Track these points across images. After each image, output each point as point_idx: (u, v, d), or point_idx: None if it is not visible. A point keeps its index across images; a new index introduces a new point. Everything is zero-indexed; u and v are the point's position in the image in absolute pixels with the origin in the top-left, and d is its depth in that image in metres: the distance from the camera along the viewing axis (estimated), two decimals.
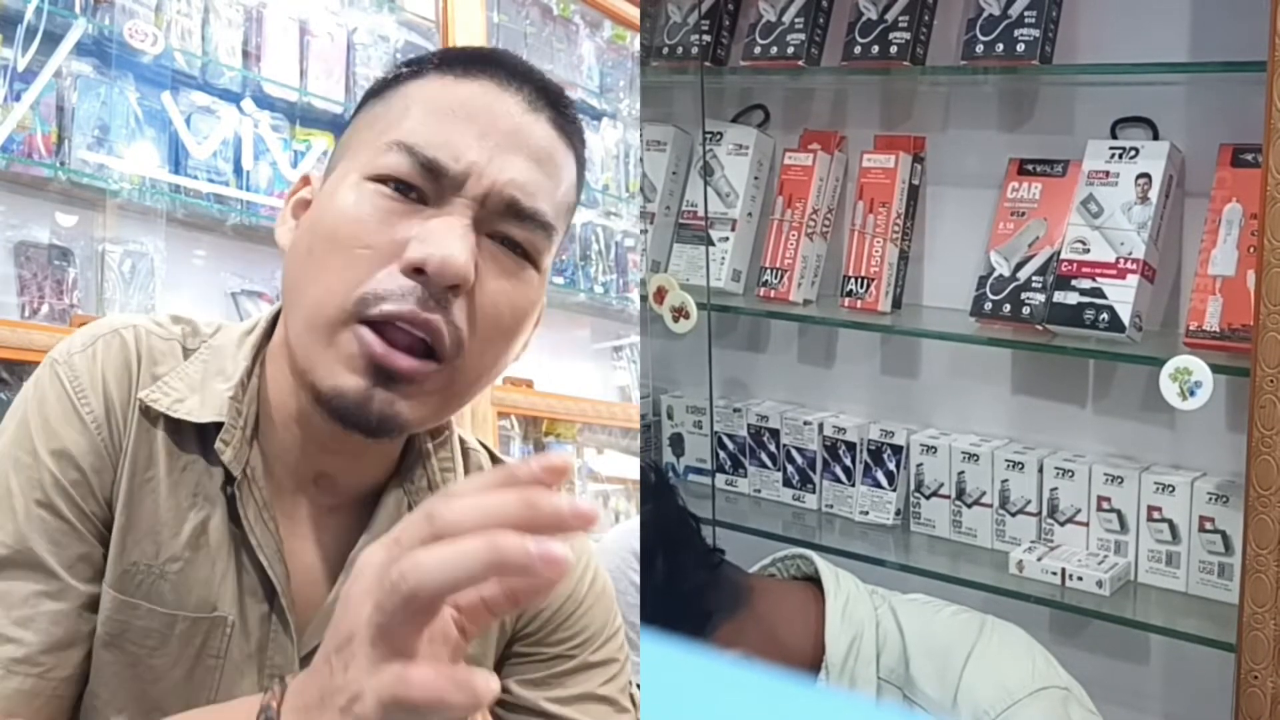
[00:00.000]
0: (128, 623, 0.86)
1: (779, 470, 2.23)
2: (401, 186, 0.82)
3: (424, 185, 0.82)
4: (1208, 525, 1.77)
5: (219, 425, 0.87)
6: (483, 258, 0.83)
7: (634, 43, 2.65)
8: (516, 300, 0.85)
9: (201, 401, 0.88)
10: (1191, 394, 1.63)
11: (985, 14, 1.88)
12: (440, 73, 0.87)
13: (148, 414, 0.88)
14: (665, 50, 2.24)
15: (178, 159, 1.85)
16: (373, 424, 0.81)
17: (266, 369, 0.90)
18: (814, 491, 2.19)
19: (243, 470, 0.87)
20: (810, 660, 1.22)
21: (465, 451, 0.99)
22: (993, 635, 1.25)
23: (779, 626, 1.25)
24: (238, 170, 1.93)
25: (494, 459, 1.01)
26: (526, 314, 0.87)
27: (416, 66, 0.89)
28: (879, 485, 2.11)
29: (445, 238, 0.80)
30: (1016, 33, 1.85)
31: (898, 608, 1.26)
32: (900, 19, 1.97)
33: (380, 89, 0.90)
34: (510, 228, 0.84)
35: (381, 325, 0.80)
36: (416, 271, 0.80)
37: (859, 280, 2.05)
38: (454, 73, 0.86)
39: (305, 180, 0.91)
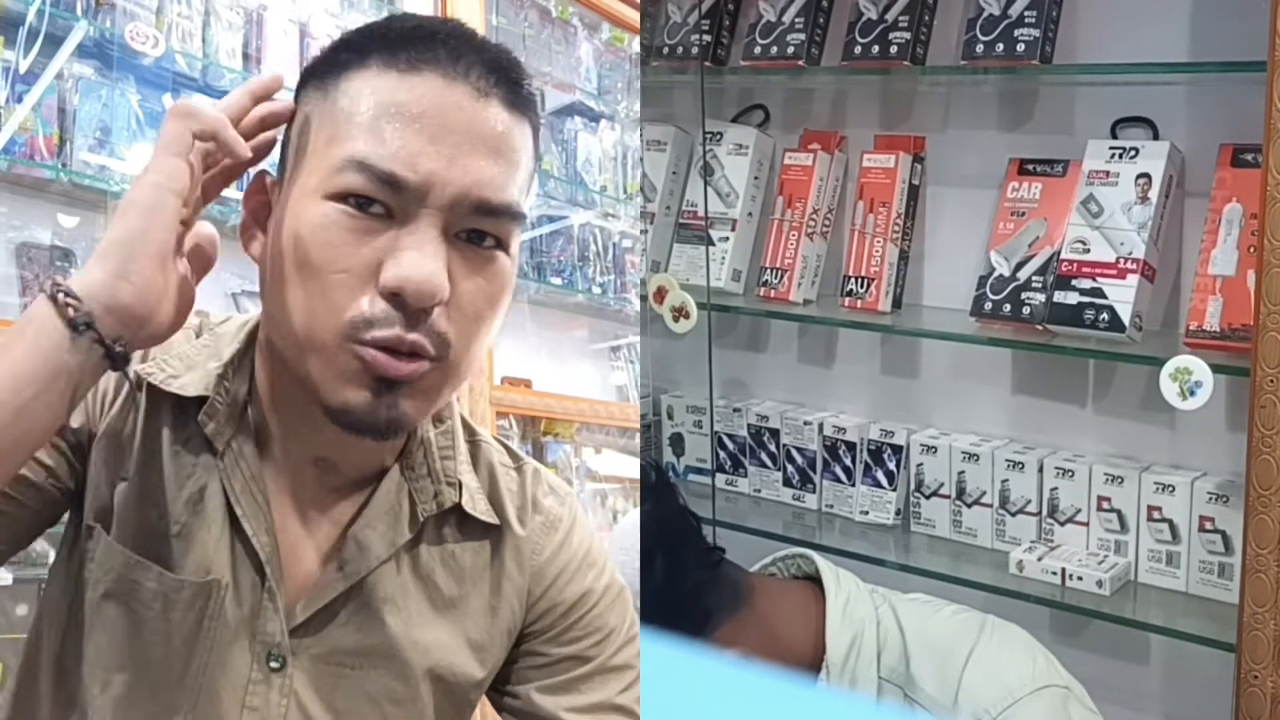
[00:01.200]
0: (138, 582, 0.89)
1: (779, 470, 2.23)
2: (363, 201, 0.82)
3: (386, 199, 0.82)
4: (1208, 525, 1.77)
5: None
6: (454, 261, 0.84)
7: (632, 45, 2.65)
8: (492, 292, 0.87)
9: (194, 379, 0.92)
10: (1191, 394, 1.63)
11: (985, 14, 1.88)
12: (382, 65, 0.84)
13: (153, 388, 0.92)
14: (665, 50, 2.24)
15: None
16: (382, 428, 0.85)
17: (260, 354, 0.93)
18: (814, 491, 2.19)
19: (226, 444, 0.91)
20: (810, 660, 1.22)
21: (476, 443, 1.01)
22: (993, 634, 1.25)
23: (779, 625, 1.25)
24: None
25: (510, 453, 1.03)
26: (503, 298, 0.89)
27: (356, 51, 0.87)
28: (879, 485, 2.11)
29: (417, 258, 0.81)
30: (1016, 33, 1.85)
31: (898, 607, 1.26)
32: (900, 19, 1.97)
33: (321, 73, 0.88)
34: (482, 224, 0.85)
35: (373, 345, 0.82)
36: (393, 295, 0.81)
37: (859, 280, 2.05)
38: (397, 66, 0.84)
39: (260, 181, 0.91)
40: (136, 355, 0.90)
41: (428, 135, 0.82)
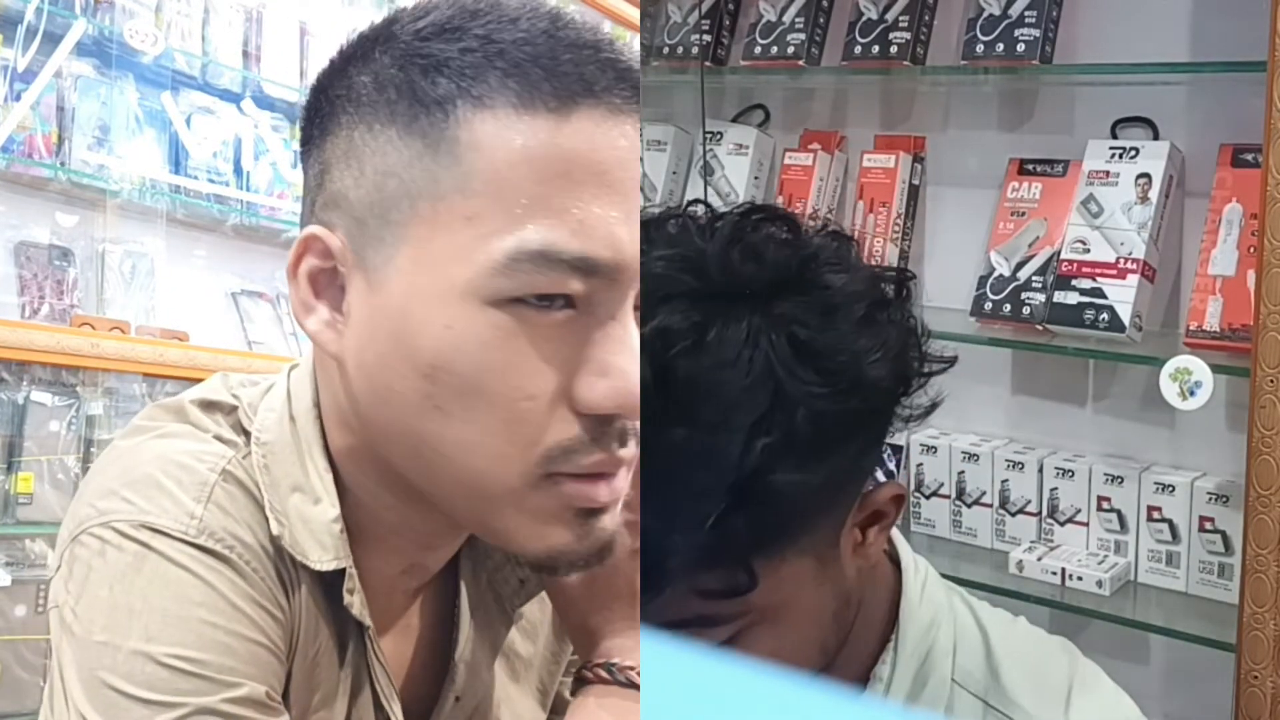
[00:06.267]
0: None
1: None
2: (545, 299, 0.66)
3: (574, 290, 0.65)
4: (1208, 525, 1.77)
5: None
6: None
7: (633, 43, 2.65)
8: None
9: (318, 544, 0.74)
10: (1191, 394, 1.63)
11: (985, 14, 1.88)
12: (518, 100, 0.65)
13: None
14: (665, 50, 2.24)
15: (178, 159, 1.85)
16: (594, 559, 0.72)
17: (343, 468, 0.78)
18: None
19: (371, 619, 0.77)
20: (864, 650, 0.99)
21: None
22: (1083, 663, 1.06)
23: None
24: (238, 170, 1.94)
25: None
26: None
27: (456, 76, 0.66)
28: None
29: (625, 364, 0.66)
30: (1016, 33, 1.85)
31: (975, 606, 1.07)
32: (900, 19, 1.97)
33: (395, 106, 0.68)
34: None
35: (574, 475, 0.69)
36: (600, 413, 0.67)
37: None
38: (543, 100, 0.65)
39: (314, 242, 0.70)
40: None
41: (609, 194, 0.65)
